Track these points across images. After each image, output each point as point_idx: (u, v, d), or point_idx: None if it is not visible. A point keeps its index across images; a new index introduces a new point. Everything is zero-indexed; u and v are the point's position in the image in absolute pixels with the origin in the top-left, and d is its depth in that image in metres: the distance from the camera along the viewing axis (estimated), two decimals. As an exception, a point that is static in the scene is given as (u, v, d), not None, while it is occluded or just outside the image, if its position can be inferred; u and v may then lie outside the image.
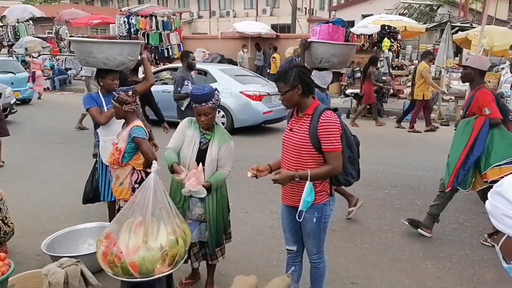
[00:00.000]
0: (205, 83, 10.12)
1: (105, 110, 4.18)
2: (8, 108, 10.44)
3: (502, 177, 4.02)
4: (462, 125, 4.28)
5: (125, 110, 3.45)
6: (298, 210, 2.77)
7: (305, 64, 4.91)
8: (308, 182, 2.71)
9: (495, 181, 3.92)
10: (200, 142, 3.20)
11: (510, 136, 4.15)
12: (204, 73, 9.94)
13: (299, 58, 11.56)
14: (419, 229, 4.59)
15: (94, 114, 4.18)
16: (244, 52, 17.93)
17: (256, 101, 9.29)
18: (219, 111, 9.91)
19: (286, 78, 2.75)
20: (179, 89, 6.35)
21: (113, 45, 4.36)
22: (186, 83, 6.38)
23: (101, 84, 4.30)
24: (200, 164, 3.10)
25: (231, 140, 3.27)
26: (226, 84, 9.14)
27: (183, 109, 6.35)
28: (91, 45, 4.32)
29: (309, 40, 4.94)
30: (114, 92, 3.56)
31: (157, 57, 17.94)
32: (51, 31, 22.03)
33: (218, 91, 3.25)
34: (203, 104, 3.09)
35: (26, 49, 17.68)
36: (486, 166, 4.12)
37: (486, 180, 4.16)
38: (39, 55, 18.06)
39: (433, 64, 11.66)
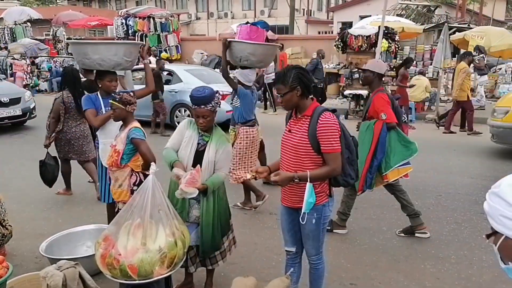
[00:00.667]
0: (171, 83, 10.29)
1: (103, 112, 4.18)
2: (28, 113, 10.38)
3: (401, 177, 4.33)
4: (363, 129, 4.46)
5: (128, 111, 3.46)
6: (302, 213, 2.77)
7: (229, 62, 5.28)
8: (308, 184, 2.71)
9: (395, 181, 4.33)
10: (198, 144, 3.19)
11: (406, 138, 4.41)
12: (171, 73, 10.67)
13: (321, 61, 11.65)
14: (416, 234, 4.62)
15: (89, 116, 4.22)
16: None
17: None
18: (184, 110, 10.08)
19: (285, 80, 2.75)
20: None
21: (108, 45, 4.33)
22: None
23: (100, 85, 4.30)
24: (198, 165, 3.09)
25: (229, 143, 3.26)
26: (191, 83, 9.26)
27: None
28: (85, 46, 4.31)
29: (228, 39, 5.20)
30: (113, 94, 3.55)
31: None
32: (49, 33, 22.01)
33: (219, 94, 3.24)
34: (202, 106, 3.08)
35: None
36: (386, 168, 4.37)
37: (387, 180, 4.41)
38: (35, 58, 18.07)
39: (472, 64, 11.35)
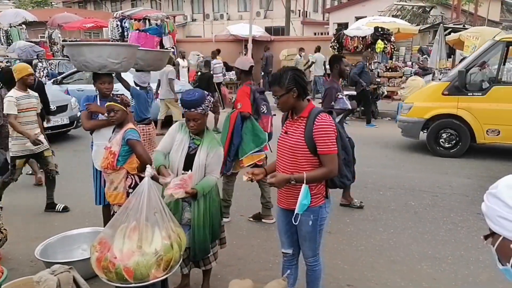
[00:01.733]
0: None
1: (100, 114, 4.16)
2: (75, 121, 9.44)
3: (255, 163, 4.59)
4: (226, 118, 4.87)
5: (127, 113, 3.45)
6: (295, 213, 2.76)
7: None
8: (304, 185, 2.70)
9: (250, 166, 4.66)
10: (189, 147, 3.17)
11: (257, 128, 4.73)
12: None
13: (368, 64, 11.70)
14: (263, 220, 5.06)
15: (82, 118, 4.24)
16: (301, 56, 16.84)
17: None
18: None
19: (281, 82, 2.74)
20: (332, 103, 5.08)
21: (90, 47, 4.30)
22: (340, 95, 5.18)
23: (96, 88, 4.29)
24: (190, 171, 3.06)
25: (220, 146, 3.23)
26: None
27: None
28: (72, 49, 4.37)
29: None
30: (113, 96, 3.51)
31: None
32: (44, 35, 21.93)
33: (210, 97, 3.23)
34: (192, 109, 3.06)
35: None
36: (242, 154, 4.74)
37: (243, 165, 4.78)
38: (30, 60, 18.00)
39: None
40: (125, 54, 4.31)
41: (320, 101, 5.44)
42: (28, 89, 5.21)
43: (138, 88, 5.69)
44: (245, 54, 18.45)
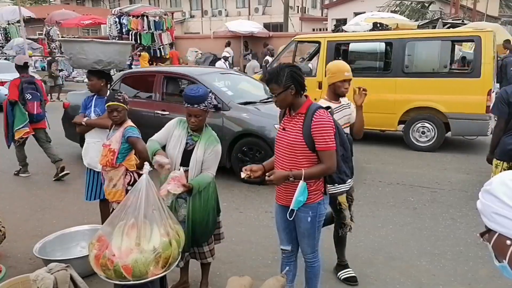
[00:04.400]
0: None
1: (92, 112, 4.16)
2: None
3: (22, 136, 6.27)
4: None
5: (128, 110, 3.45)
6: (290, 209, 2.76)
7: None
8: (301, 182, 2.70)
9: (20, 138, 6.29)
10: (187, 143, 3.15)
11: (22, 111, 6.19)
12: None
13: None
14: None
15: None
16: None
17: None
18: None
19: (279, 79, 2.72)
20: None
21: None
22: None
23: None
24: (182, 168, 3.04)
25: (218, 143, 3.21)
26: None
27: None
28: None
29: None
30: (113, 95, 3.49)
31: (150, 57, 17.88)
32: (42, 32, 21.89)
33: (212, 94, 3.22)
34: (195, 105, 3.04)
35: None
36: (14, 127, 6.22)
37: (18, 137, 6.23)
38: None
39: None
40: (71, 50, 4.39)
41: None
42: (341, 99, 3.53)
43: None
44: (243, 51, 18.48)
